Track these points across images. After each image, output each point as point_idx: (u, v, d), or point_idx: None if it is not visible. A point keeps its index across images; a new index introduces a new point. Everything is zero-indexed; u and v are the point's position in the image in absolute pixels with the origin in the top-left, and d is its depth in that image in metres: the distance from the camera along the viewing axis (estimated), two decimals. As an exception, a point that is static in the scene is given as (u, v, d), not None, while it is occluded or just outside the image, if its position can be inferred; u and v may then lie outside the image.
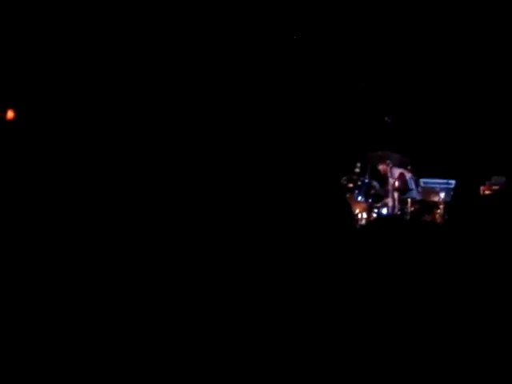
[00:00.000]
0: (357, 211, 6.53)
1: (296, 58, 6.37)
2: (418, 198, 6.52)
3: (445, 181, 6.46)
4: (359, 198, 6.53)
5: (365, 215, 6.54)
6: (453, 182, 6.44)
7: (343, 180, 6.57)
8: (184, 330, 3.92)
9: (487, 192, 6.05)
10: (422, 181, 6.54)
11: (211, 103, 6.29)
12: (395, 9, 6.36)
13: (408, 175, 6.51)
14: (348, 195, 6.53)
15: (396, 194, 6.47)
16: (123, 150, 5.99)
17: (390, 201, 6.48)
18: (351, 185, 6.56)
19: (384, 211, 6.52)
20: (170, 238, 5.32)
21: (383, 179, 6.61)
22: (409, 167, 6.51)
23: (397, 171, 6.50)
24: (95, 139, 5.93)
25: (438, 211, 6.37)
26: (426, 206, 6.45)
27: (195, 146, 6.26)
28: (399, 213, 6.43)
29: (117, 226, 5.45)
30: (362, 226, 6.50)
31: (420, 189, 6.51)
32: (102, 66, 6.04)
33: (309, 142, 6.74)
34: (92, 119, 6.01)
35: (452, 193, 6.38)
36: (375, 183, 6.58)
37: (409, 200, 6.46)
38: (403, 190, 6.41)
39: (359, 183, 6.54)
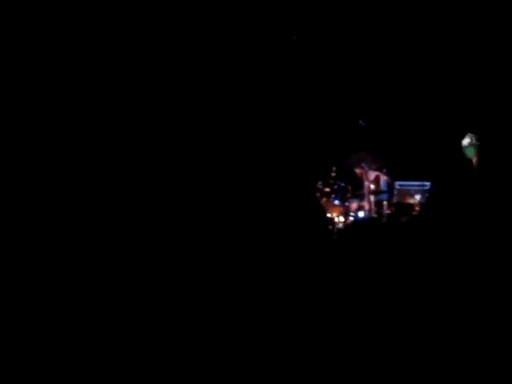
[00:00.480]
0: (334, 215, 6.59)
1: (266, 64, 6.40)
2: (394, 200, 6.59)
3: (420, 183, 6.54)
4: (336, 202, 6.59)
5: (342, 219, 6.60)
6: (428, 183, 6.52)
7: (319, 184, 6.63)
8: (183, 329, 3.92)
9: None
10: (397, 183, 6.61)
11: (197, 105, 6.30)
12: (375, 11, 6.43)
13: (383, 178, 6.58)
14: (324, 199, 6.59)
15: (372, 197, 6.53)
16: (123, 149, 5.98)
17: (366, 204, 6.53)
18: (328, 189, 6.62)
19: (361, 214, 6.57)
20: (167, 237, 5.33)
21: (359, 182, 6.67)
22: (384, 170, 6.58)
23: (372, 174, 6.56)
24: (95, 139, 5.92)
25: (414, 213, 6.45)
26: (401, 208, 6.52)
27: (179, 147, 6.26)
28: (376, 216, 6.49)
29: (117, 225, 5.45)
30: (339, 229, 6.57)
31: (395, 191, 6.57)
32: (102, 66, 6.03)
33: (284, 146, 6.77)
34: (92, 119, 5.99)
35: (427, 194, 6.46)
36: (351, 187, 6.65)
37: (385, 203, 6.53)
38: (376, 192, 6.48)
39: (335, 187, 6.60)
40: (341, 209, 6.59)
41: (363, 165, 6.55)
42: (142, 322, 3.92)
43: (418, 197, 6.49)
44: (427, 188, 6.49)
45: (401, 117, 6.74)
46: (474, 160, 5.54)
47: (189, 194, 6.18)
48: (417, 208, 6.47)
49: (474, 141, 5.55)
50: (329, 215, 6.56)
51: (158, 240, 5.28)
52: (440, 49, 6.46)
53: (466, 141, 5.57)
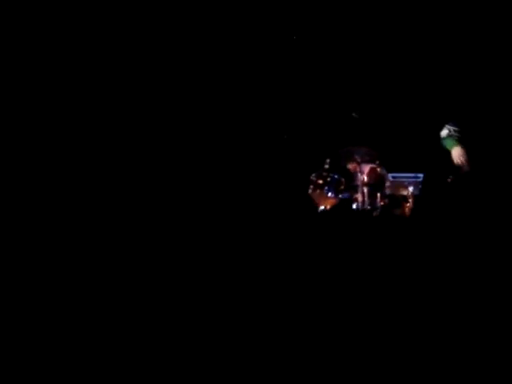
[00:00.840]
0: (327, 207, 6.59)
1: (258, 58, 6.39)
2: (387, 192, 6.59)
3: (413, 175, 6.55)
4: (329, 194, 6.59)
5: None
6: (421, 175, 6.53)
7: (313, 176, 6.63)
8: (183, 329, 3.93)
9: None
10: (390, 175, 6.61)
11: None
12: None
13: (376, 170, 6.58)
14: (318, 191, 6.59)
15: (365, 190, 6.53)
16: (123, 149, 5.98)
17: (359, 196, 6.53)
18: (321, 181, 6.62)
19: (354, 206, 6.57)
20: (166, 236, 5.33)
21: (353, 175, 6.67)
22: (377, 162, 6.58)
23: (366, 166, 6.56)
24: (95, 139, 5.91)
25: (408, 205, 6.45)
26: (395, 200, 6.53)
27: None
28: (369, 207, 6.49)
29: (117, 225, 5.46)
30: (331, 221, 6.58)
31: (388, 183, 6.58)
32: (102, 66, 6.01)
33: (277, 139, 6.77)
34: (92, 119, 5.99)
35: (420, 186, 6.47)
36: (344, 179, 6.65)
37: (378, 195, 6.52)
38: (369, 184, 6.48)
39: (329, 179, 6.60)
40: (334, 201, 6.59)
41: (356, 157, 6.55)
42: (142, 322, 3.93)
43: (411, 188, 6.50)
44: (420, 180, 6.50)
45: (394, 109, 6.74)
46: (454, 151, 5.49)
47: (183, 185, 6.18)
48: (410, 200, 6.48)
49: (452, 132, 5.52)
50: (322, 207, 6.57)
51: (157, 238, 5.29)
52: (428, 42, 6.47)
53: (444, 132, 5.55)
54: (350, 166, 6.59)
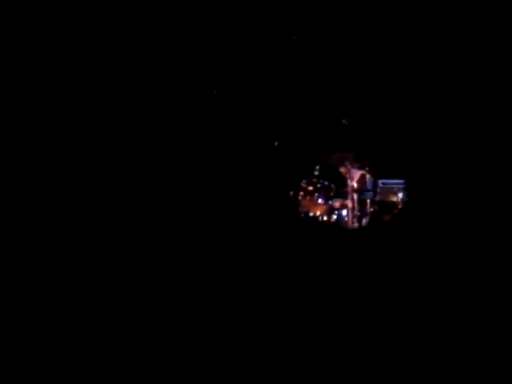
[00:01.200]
0: (317, 213, 6.59)
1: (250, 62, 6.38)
2: (377, 198, 6.60)
3: (403, 181, 6.56)
4: (319, 201, 6.60)
5: (325, 217, 6.61)
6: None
7: (303, 183, 6.63)
8: (182, 329, 3.90)
9: None
10: (380, 182, 6.62)
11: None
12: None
13: (366, 176, 6.59)
14: (308, 198, 6.60)
15: (355, 196, 6.54)
16: (123, 150, 5.94)
17: (349, 202, 6.54)
18: (311, 187, 6.63)
19: (344, 213, 6.58)
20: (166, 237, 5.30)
21: (342, 181, 6.67)
22: (367, 168, 6.59)
23: (355, 172, 6.57)
24: (95, 139, 5.87)
25: (397, 211, 6.47)
26: (384, 206, 6.54)
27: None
28: (359, 214, 6.50)
29: (117, 225, 5.42)
30: (322, 227, 6.58)
31: (378, 189, 6.59)
32: (102, 66, 5.97)
33: (267, 145, 6.77)
34: (91, 119, 5.94)
35: (407, 192, 6.50)
36: (334, 185, 6.65)
37: (368, 201, 6.54)
38: (359, 190, 6.50)
39: (319, 186, 6.61)
40: (324, 207, 6.60)
41: (346, 163, 6.56)
42: (142, 322, 3.89)
43: (400, 195, 6.51)
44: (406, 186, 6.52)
45: (383, 115, 6.75)
46: None
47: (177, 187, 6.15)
48: (400, 206, 6.50)
49: None
50: (312, 214, 6.57)
51: (157, 239, 5.25)
52: (421, 46, 6.49)
53: None
54: (340, 171, 6.60)
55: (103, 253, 4.83)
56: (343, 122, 6.58)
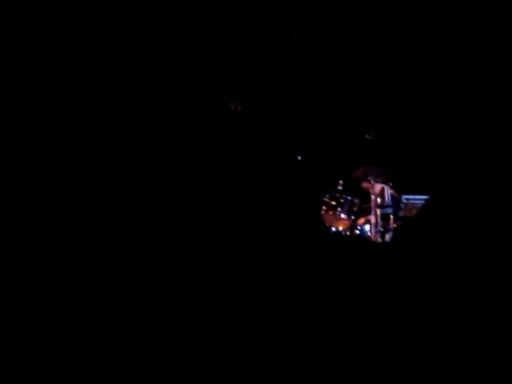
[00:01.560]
0: (340, 228, 6.57)
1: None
2: (401, 214, 6.57)
3: (426, 197, 6.51)
4: (342, 216, 6.58)
5: (348, 232, 6.58)
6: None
7: (326, 198, 6.62)
8: (183, 330, 3.91)
9: None
10: (403, 197, 6.59)
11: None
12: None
13: (389, 191, 6.56)
14: (331, 213, 6.58)
15: (378, 211, 6.51)
16: (123, 150, 6.00)
17: (372, 218, 6.50)
18: (334, 202, 6.61)
19: (367, 228, 6.55)
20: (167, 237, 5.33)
21: (366, 196, 6.65)
22: (390, 184, 6.56)
23: (378, 187, 6.55)
24: (95, 139, 5.94)
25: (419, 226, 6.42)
26: (408, 222, 6.50)
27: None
28: (382, 229, 6.46)
29: (117, 226, 5.47)
30: (345, 242, 6.55)
31: (402, 205, 6.55)
32: (102, 66, 6.06)
33: (291, 160, 6.79)
34: (91, 119, 6.02)
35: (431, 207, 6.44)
36: (357, 200, 6.63)
37: (391, 217, 6.50)
38: (382, 205, 6.46)
39: (342, 200, 6.59)
40: (347, 222, 6.57)
41: (370, 178, 6.53)
42: (142, 322, 3.91)
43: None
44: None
45: (408, 130, 6.74)
46: None
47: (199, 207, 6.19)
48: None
49: None
50: (334, 229, 6.55)
51: (158, 240, 5.28)
52: (448, 63, 6.48)
53: None
54: (364, 185, 6.58)
55: (103, 252, 4.88)
56: (367, 136, 6.58)
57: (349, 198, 6.61)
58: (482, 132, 6.07)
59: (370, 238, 6.49)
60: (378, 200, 6.50)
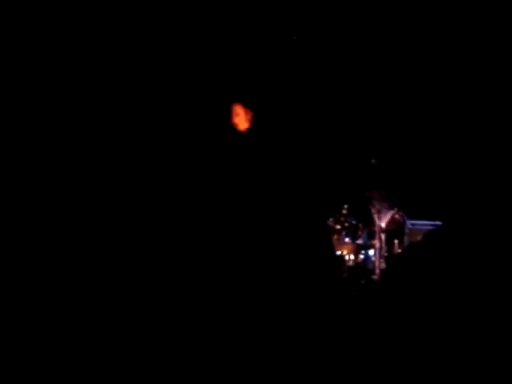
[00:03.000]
0: (344, 252, 6.53)
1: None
2: (406, 239, 6.52)
3: (432, 222, 6.46)
4: (346, 240, 6.55)
5: (352, 257, 6.54)
6: (440, 223, 6.43)
7: (330, 221, 6.59)
8: (183, 330, 3.85)
9: None
10: (409, 222, 6.55)
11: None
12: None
13: (394, 216, 6.53)
14: (335, 236, 6.55)
15: (383, 236, 6.47)
16: (122, 150, 5.97)
17: (377, 242, 6.47)
18: (338, 226, 6.59)
19: (371, 253, 6.51)
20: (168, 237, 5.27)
21: (370, 221, 6.62)
22: (396, 208, 6.53)
23: (383, 212, 6.51)
24: (95, 139, 5.92)
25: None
26: (412, 247, 6.44)
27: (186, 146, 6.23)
28: (386, 254, 6.42)
29: (116, 226, 5.42)
30: (349, 267, 6.51)
31: (407, 230, 6.51)
32: (102, 66, 6.05)
33: (294, 183, 6.75)
34: (91, 119, 6.00)
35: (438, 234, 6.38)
36: (362, 225, 6.61)
37: (396, 242, 6.46)
38: (387, 230, 6.43)
39: (346, 224, 6.57)
40: (351, 246, 6.54)
41: (375, 203, 6.50)
42: (142, 322, 3.85)
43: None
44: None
45: (413, 155, 6.71)
46: None
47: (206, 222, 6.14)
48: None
49: None
50: (338, 252, 6.51)
51: (158, 241, 5.22)
52: (456, 86, 6.45)
53: None
54: (369, 212, 6.55)
55: (103, 252, 4.83)
56: (372, 161, 6.55)
57: (353, 221, 6.59)
58: (495, 157, 6.02)
59: (374, 262, 6.45)
60: (383, 225, 6.46)
